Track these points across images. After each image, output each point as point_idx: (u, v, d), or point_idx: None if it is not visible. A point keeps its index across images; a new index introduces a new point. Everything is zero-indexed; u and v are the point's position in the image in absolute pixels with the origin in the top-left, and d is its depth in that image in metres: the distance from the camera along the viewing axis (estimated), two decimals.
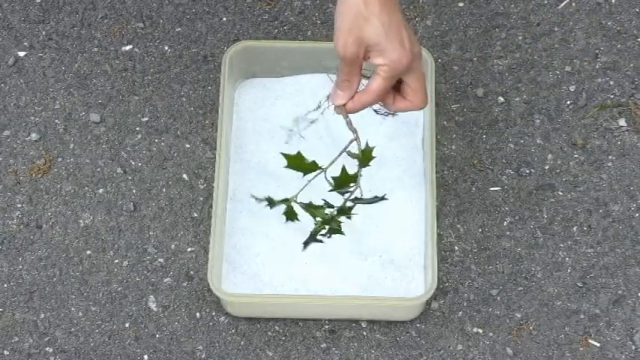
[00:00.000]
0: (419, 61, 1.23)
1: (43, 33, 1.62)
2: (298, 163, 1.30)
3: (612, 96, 1.58)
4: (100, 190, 1.52)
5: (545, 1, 1.64)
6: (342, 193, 1.32)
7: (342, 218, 1.40)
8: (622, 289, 1.46)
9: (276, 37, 1.62)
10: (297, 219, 1.33)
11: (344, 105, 1.26)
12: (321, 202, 1.34)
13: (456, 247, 1.49)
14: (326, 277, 1.44)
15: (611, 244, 1.49)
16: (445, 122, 1.56)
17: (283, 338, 1.44)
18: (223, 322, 1.45)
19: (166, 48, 1.61)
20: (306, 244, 1.34)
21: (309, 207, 1.32)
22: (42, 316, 1.45)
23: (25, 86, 1.59)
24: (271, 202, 1.32)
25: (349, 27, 1.19)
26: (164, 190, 1.52)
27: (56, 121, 1.57)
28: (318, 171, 1.31)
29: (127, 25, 1.63)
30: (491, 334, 1.44)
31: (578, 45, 1.61)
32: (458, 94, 1.58)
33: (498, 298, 1.46)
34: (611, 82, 1.59)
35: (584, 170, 1.53)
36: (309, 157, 1.30)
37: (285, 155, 1.28)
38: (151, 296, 1.46)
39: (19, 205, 1.51)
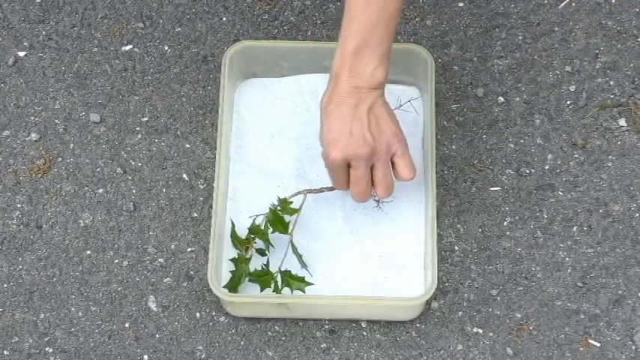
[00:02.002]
0: (366, 159, 1.34)
1: (43, 33, 1.62)
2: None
3: (612, 96, 1.58)
4: (100, 190, 1.52)
5: (545, 1, 1.64)
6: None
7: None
8: (622, 289, 1.46)
9: (276, 37, 1.62)
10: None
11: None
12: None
13: (456, 247, 1.49)
14: (326, 277, 1.44)
15: (611, 244, 1.49)
16: (445, 122, 1.56)
17: (283, 338, 1.44)
18: (223, 322, 1.45)
19: (166, 48, 1.61)
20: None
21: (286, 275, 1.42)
22: (42, 316, 1.45)
23: (25, 86, 1.59)
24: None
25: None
26: (164, 190, 1.52)
27: (56, 121, 1.57)
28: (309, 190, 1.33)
29: (127, 25, 1.63)
30: (491, 334, 1.44)
31: (578, 45, 1.61)
32: (458, 94, 1.58)
33: (498, 298, 1.46)
34: (611, 82, 1.58)
35: (584, 170, 1.53)
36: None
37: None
38: (151, 296, 1.46)
39: (19, 205, 1.51)
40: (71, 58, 1.61)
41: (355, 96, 1.31)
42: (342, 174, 1.36)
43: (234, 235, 1.43)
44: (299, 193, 1.44)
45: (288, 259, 1.42)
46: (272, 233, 1.43)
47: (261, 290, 1.41)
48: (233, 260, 1.42)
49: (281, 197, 1.43)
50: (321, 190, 1.45)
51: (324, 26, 1.62)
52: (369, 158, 1.33)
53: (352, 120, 1.31)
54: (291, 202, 1.43)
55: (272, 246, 1.43)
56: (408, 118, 1.53)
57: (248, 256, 1.42)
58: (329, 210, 1.48)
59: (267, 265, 1.41)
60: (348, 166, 1.34)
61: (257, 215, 1.43)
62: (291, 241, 1.42)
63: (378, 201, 1.45)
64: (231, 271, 1.42)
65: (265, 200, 1.46)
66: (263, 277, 1.40)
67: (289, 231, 1.42)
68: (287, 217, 1.43)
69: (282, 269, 1.41)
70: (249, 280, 1.41)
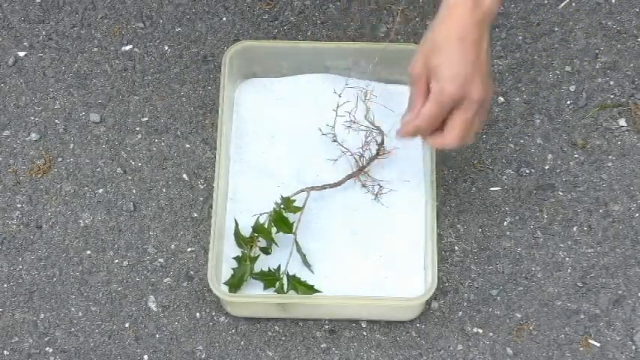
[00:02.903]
0: (478, 103, 1.25)
1: (43, 33, 1.62)
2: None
3: (612, 96, 1.58)
4: (100, 190, 1.52)
5: (545, 1, 1.64)
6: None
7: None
8: (622, 289, 1.46)
9: (276, 37, 1.62)
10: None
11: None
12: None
13: (456, 247, 1.49)
14: (326, 277, 1.44)
15: (611, 244, 1.49)
16: None
17: (283, 338, 1.44)
18: (223, 322, 1.45)
19: (166, 48, 1.61)
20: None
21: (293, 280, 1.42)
22: (42, 316, 1.45)
23: (25, 86, 1.59)
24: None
25: (423, 50, 1.25)
26: (164, 190, 1.52)
27: (56, 121, 1.56)
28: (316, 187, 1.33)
29: (127, 25, 1.63)
30: (491, 334, 1.44)
31: (578, 45, 1.61)
32: None
33: (498, 298, 1.46)
34: (611, 82, 1.58)
35: (584, 170, 1.53)
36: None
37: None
38: (151, 296, 1.46)
39: (19, 205, 1.51)
40: (71, 58, 1.61)
41: (477, 31, 1.24)
42: (445, 112, 1.28)
43: (237, 234, 1.44)
44: (301, 191, 1.44)
45: (292, 258, 1.42)
46: (276, 233, 1.43)
47: (265, 289, 1.41)
48: (236, 258, 1.42)
49: (283, 196, 1.43)
50: (323, 187, 1.45)
51: (324, 26, 1.62)
52: (483, 103, 1.27)
53: (476, 59, 1.24)
54: (294, 201, 1.43)
55: (276, 244, 1.43)
56: None
57: (253, 255, 1.42)
58: (329, 210, 1.48)
59: (277, 270, 1.41)
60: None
61: (260, 214, 1.44)
62: (296, 241, 1.42)
63: (376, 194, 1.46)
64: (233, 268, 1.42)
65: (265, 200, 1.46)
66: (268, 278, 1.41)
67: (293, 230, 1.42)
68: (290, 217, 1.43)
69: (287, 270, 1.41)
70: (253, 278, 1.41)
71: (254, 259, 1.42)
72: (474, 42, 1.23)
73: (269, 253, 1.44)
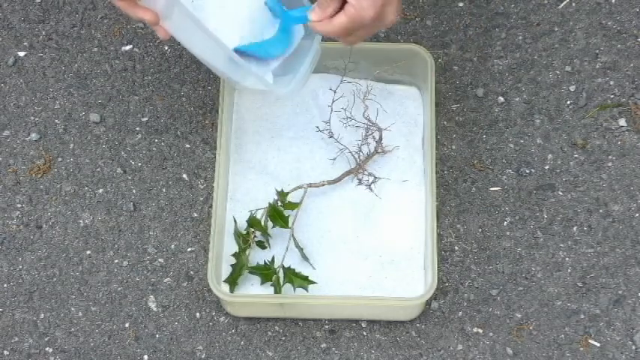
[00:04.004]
0: (386, 26, 1.23)
1: (43, 33, 1.62)
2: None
3: (612, 96, 1.58)
4: (100, 190, 1.52)
5: (545, 1, 1.64)
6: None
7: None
8: (622, 289, 1.46)
9: None
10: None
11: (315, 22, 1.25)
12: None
13: (456, 247, 1.49)
14: (326, 277, 1.44)
15: (612, 244, 1.49)
16: (445, 122, 1.56)
17: (283, 338, 1.44)
18: (223, 322, 1.45)
19: (166, 48, 1.61)
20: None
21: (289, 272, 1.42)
22: (42, 316, 1.45)
23: (25, 86, 1.59)
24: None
25: None
26: (164, 190, 1.52)
27: (56, 121, 1.56)
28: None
29: (127, 25, 1.63)
30: (491, 334, 1.44)
31: (578, 45, 1.61)
32: (458, 94, 1.58)
33: (498, 298, 1.46)
34: (611, 82, 1.58)
35: (584, 170, 1.53)
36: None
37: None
38: (151, 296, 1.46)
39: (19, 205, 1.51)
40: (71, 58, 1.61)
41: None
42: (356, 28, 1.25)
43: (236, 232, 1.44)
44: (299, 187, 1.45)
45: (289, 254, 1.42)
46: (273, 228, 1.43)
47: (262, 283, 1.41)
48: (234, 255, 1.42)
49: (278, 190, 1.44)
50: (322, 184, 1.45)
51: None
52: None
53: None
54: (287, 194, 1.43)
55: (270, 236, 1.43)
56: (408, 119, 1.54)
57: (247, 246, 1.42)
58: (329, 210, 1.48)
59: (272, 261, 1.41)
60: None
61: (257, 210, 1.44)
62: (293, 235, 1.43)
63: (370, 185, 1.46)
64: (231, 265, 1.42)
65: (265, 200, 1.46)
66: (265, 272, 1.41)
67: (290, 225, 1.43)
68: (288, 212, 1.43)
69: (284, 264, 1.41)
70: (250, 272, 1.41)
71: (247, 249, 1.42)
72: None
73: (265, 248, 1.44)
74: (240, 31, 1.27)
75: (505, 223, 1.50)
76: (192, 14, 1.23)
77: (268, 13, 1.29)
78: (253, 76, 1.28)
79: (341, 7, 1.23)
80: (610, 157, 1.54)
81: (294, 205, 1.44)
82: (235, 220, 1.45)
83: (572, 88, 1.58)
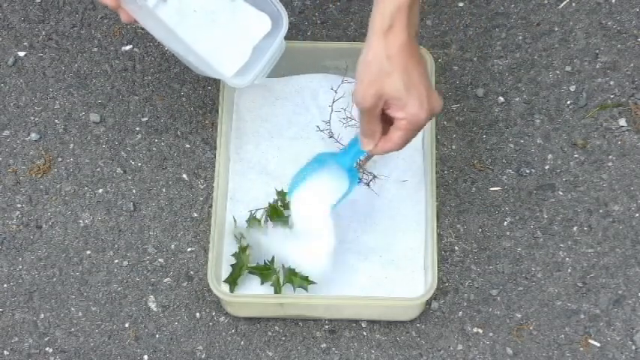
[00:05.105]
0: (436, 115, 1.26)
1: (43, 33, 1.62)
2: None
3: (612, 96, 1.58)
4: (100, 190, 1.52)
5: (545, 1, 1.64)
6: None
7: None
8: (622, 289, 1.46)
9: None
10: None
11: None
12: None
13: (456, 247, 1.49)
14: (326, 277, 1.44)
15: (612, 244, 1.49)
16: (445, 122, 1.56)
17: (283, 338, 1.44)
18: (223, 322, 1.45)
19: (166, 48, 1.61)
20: None
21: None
22: (42, 316, 1.45)
23: (25, 86, 1.59)
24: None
25: (370, 80, 1.21)
26: (164, 190, 1.52)
27: (56, 121, 1.57)
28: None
29: (127, 25, 1.63)
30: (491, 334, 1.44)
31: (578, 45, 1.61)
32: (458, 94, 1.58)
33: (498, 298, 1.46)
34: (611, 82, 1.58)
35: (584, 170, 1.53)
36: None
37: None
38: (151, 296, 1.46)
39: (19, 205, 1.51)
40: (71, 58, 1.61)
41: (416, 46, 1.22)
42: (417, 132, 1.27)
43: (235, 231, 1.44)
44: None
45: None
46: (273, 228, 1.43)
47: (262, 283, 1.41)
48: (234, 255, 1.42)
49: (278, 190, 1.44)
50: None
51: (324, 26, 1.62)
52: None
53: (424, 71, 1.23)
54: (286, 193, 1.43)
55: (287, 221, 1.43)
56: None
57: (246, 245, 1.42)
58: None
59: (272, 261, 1.41)
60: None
61: (257, 210, 1.44)
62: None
63: (368, 184, 1.46)
64: (231, 265, 1.42)
65: (265, 200, 1.46)
66: (265, 272, 1.41)
67: (289, 224, 1.42)
68: (288, 212, 1.43)
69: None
70: (250, 272, 1.41)
71: (247, 249, 1.42)
72: (418, 59, 1.22)
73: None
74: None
75: (505, 223, 1.50)
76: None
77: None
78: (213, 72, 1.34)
79: (384, 120, 1.25)
80: (610, 157, 1.54)
81: None
82: (235, 220, 1.45)
83: (572, 88, 1.58)
